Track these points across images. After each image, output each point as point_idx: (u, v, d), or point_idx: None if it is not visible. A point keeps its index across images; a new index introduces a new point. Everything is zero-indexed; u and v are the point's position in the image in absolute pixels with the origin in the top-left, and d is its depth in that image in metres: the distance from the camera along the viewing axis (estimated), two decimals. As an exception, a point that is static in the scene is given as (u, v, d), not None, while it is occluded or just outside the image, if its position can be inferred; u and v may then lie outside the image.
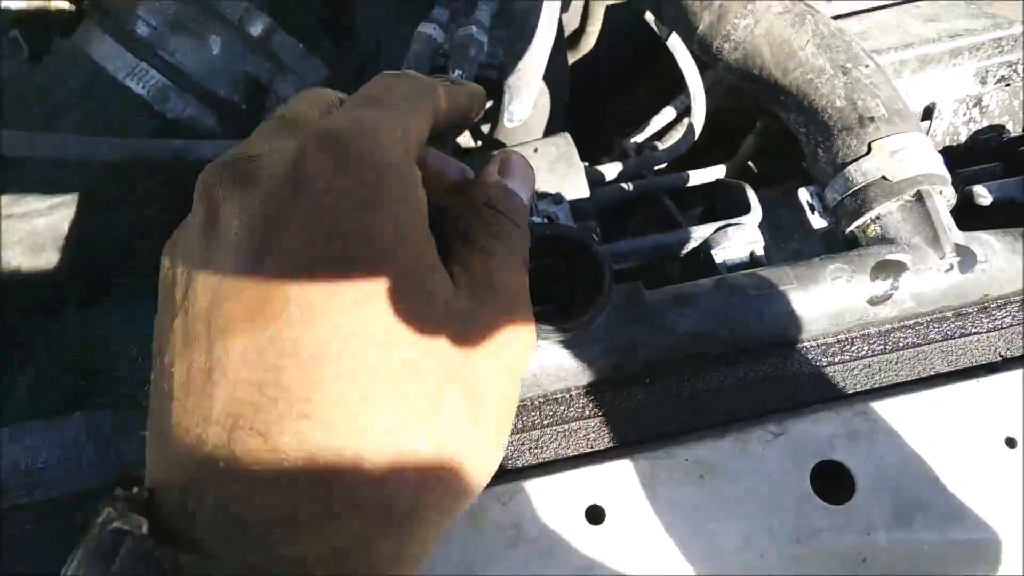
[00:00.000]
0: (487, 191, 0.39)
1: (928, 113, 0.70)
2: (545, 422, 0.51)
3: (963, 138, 0.73)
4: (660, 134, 0.90)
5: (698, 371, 0.52)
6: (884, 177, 0.53)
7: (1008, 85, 0.70)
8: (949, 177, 0.54)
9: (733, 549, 0.46)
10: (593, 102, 1.10)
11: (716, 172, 0.80)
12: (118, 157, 0.67)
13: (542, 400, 0.51)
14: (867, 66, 0.57)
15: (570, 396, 0.51)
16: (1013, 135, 0.74)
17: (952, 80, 0.69)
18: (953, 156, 0.73)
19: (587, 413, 0.51)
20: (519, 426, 0.50)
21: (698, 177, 0.78)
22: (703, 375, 0.52)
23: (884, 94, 0.56)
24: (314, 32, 0.82)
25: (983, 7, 0.70)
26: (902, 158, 0.53)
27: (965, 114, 0.71)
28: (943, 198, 0.54)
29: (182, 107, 0.75)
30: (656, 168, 0.83)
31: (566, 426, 0.51)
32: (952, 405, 0.50)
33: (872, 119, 0.55)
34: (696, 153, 0.86)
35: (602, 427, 0.51)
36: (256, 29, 0.74)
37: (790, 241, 0.78)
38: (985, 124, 0.72)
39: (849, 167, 0.55)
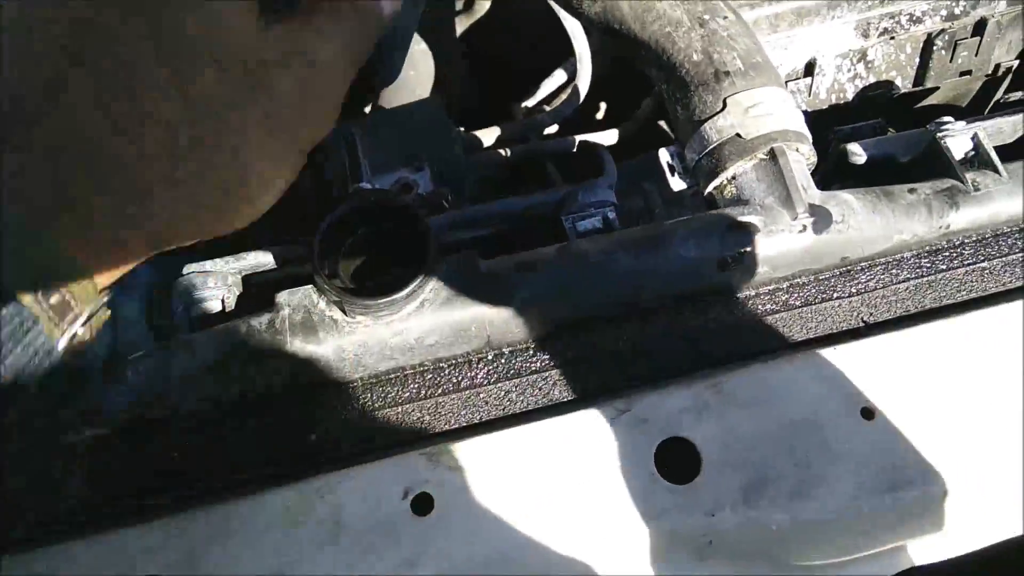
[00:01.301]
0: None
1: (809, 69, 0.67)
2: (375, 405, 0.47)
3: (850, 95, 0.70)
4: (552, 98, 0.86)
5: (540, 345, 0.48)
6: (738, 135, 0.50)
7: (892, 38, 0.67)
8: (808, 134, 0.51)
9: (572, 534, 0.43)
10: (499, 69, 1.06)
11: (609, 136, 0.76)
12: None
13: (373, 381, 0.47)
14: (725, 17, 0.53)
15: (403, 376, 0.48)
16: (903, 91, 0.72)
17: (832, 34, 0.65)
18: (839, 113, 0.70)
19: (422, 394, 0.47)
20: (342, 411, 0.46)
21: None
22: (544, 349, 0.48)
23: (741, 46, 0.52)
24: None
25: None
26: (757, 114, 0.50)
27: (850, 70, 0.68)
28: (801, 156, 0.51)
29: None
30: (546, 133, 0.79)
31: (398, 408, 0.47)
32: (807, 375, 0.47)
33: (728, 73, 0.51)
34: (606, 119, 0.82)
35: (438, 409, 0.47)
36: None
37: (685, 209, 0.75)
38: (872, 80, 0.70)
39: (705, 125, 0.51)
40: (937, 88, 0.70)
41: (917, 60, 0.68)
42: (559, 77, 0.85)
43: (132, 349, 0.46)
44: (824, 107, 0.70)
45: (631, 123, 0.81)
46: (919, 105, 0.71)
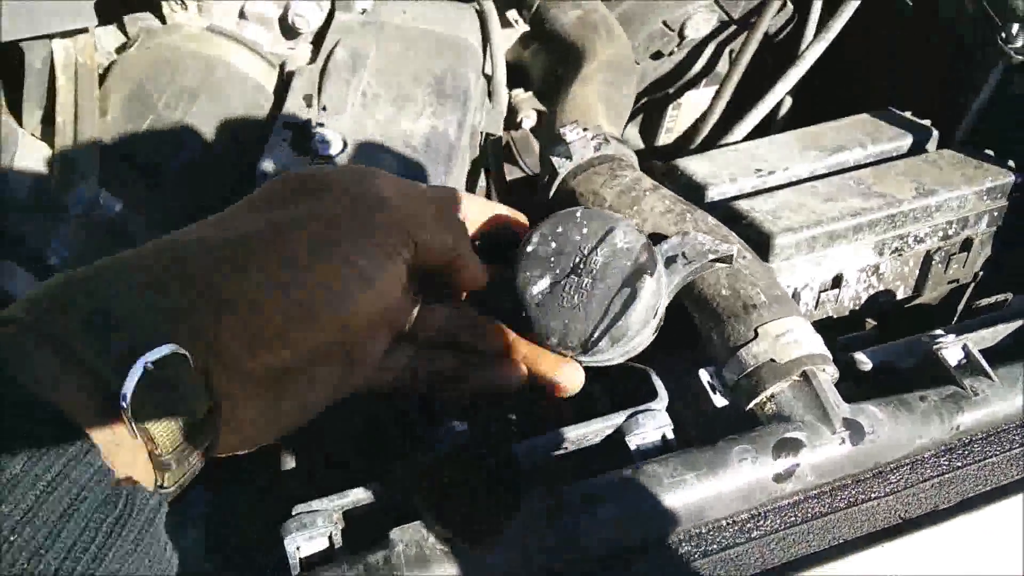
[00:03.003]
0: None
1: (837, 282, 0.77)
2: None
3: (862, 303, 0.81)
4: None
5: (624, 565, 0.53)
6: (772, 360, 0.58)
7: (900, 255, 0.79)
8: (830, 355, 0.60)
9: None
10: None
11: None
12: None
13: (474, 609, 0.51)
14: (744, 258, 0.63)
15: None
16: (900, 297, 0.83)
17: (855, 253, 0.77)
18: (856, 315, 0.80)
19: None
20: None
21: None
22: (633, 565, 0.53)
23: (763, 282, 0.62)
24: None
25: (871, 186, 0.79)
26: (786, 341, 0.59)
27: (865, 281, 0.79)
28: (827, 375, 0.59)
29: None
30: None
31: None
32: (864, 571, 0.53)
33: (755, 306, 0.60)
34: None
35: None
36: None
37: (699, 403, 0.82)
38: (881, 288, 0.81)
39: (740, 351, 0.60)
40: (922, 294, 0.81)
41: (917, 272, 0.80)
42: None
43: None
44: (845, 314, 0.80)
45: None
46: (908, 306, 0.82)
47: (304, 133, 0.73)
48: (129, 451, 0.37)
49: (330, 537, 0.53)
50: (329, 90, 0.76)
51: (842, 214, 0.76)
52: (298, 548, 0.52)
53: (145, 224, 0.78)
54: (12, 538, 0.30)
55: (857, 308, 0.80)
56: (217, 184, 0.81)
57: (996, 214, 0.80)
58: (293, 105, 0.77)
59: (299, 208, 0.47)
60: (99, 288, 0.39)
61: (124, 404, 0.36)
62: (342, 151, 0.73)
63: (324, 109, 0.75)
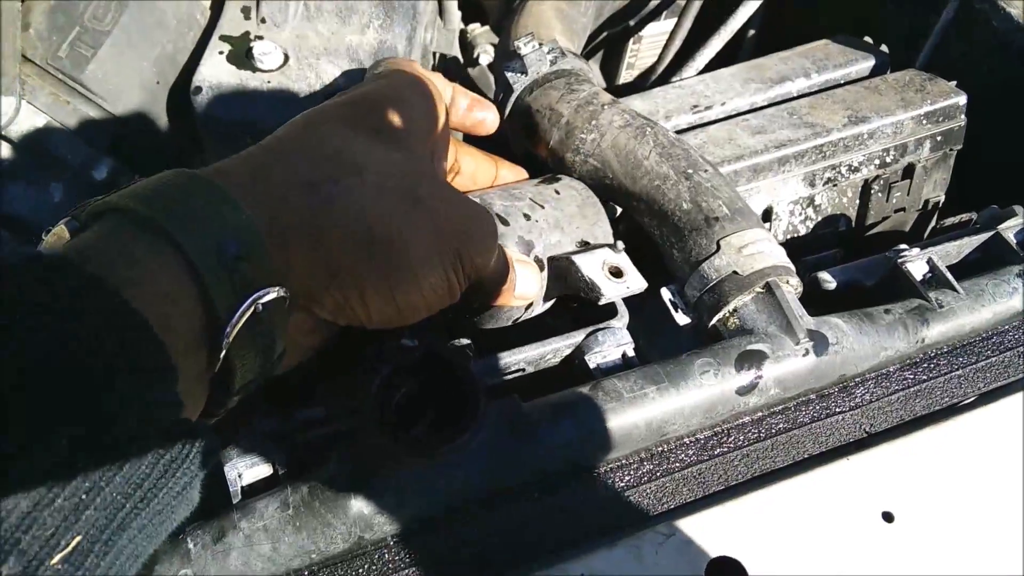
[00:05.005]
0: None
1: (767, 215, 0.75)
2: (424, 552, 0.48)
3: (803, 234, 0.78)
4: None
5: (583, 481, 0.51)
6: (735, 272, 0.56)
7: (835, 185, 0.76)
8: (793, 267, 0.58)
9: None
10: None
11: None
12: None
13: (425, 528, 0.49)
14: (706, 171, 0.61)
15: (454, 520, 0.49)
16: (844, 227, 0.81)
17: (783, 185, 0.74)
18: (797, 248, 0.78)
19: (470, 538, 0.49)
20: (396, 562, 0.47)
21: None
22: (588, 484, 0.51)
23: (725, 195, 0.59)
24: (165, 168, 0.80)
25: (803, 116, 0.76)
26: (749, 252, 0.57)
27: (800, 214, 0.77)
28: (791, 287, 0.57)
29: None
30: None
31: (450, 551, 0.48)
32: (828, 485, 0.51)
33: (717, 219, 0.58)
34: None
35: (486, 549, 0.49)
36: (101, 173, 0.72)
37: (661, 337, 0.80)
38: (820, 219, 0.78)
39: (703, 265, 0.57)
40: (878, 222, 0.79)
41: (858, 202, 0.78)
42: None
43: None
44: (782, 243, 0.77)
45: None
46: (866, 235, 0.79)
47: (242, 46, 0.68)
48: (197, 379, 0.35)
49: (274, 463, 0.50)
50: (269, 1, 0.71)
51: (767, 147, 0.73)
52: (239, 475, 0.49)
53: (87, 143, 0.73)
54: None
55: (796, 240, 0.78)
56: (150, 101, 0.75)
57: (941, 138, 0.78)
58: (231, 17, 0.72)
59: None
60: (228, 212, 0.35)
61: (227, 340, 0.34)
62: (283, 65, 0.69)
63: (263, 21, 0.71)
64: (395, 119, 0.46)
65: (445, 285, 0.44)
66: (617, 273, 0.55)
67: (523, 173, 0.65)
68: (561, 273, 0.56)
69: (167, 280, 0.32)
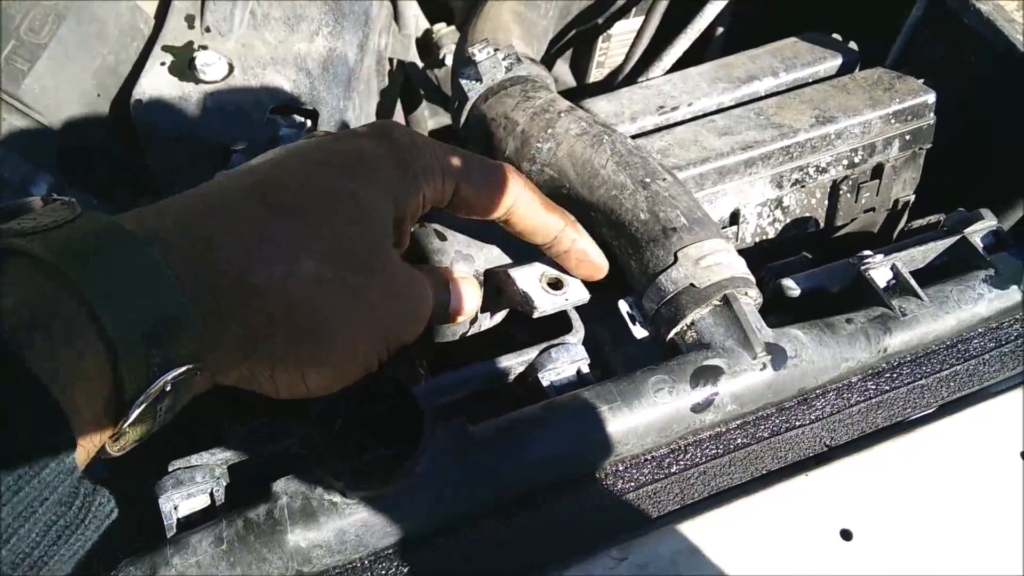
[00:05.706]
0: None
1: (735, 218, 0.73)
2: (378, 586, 0.46)
3: (771, 236, 0.77)
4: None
5: (532, 504, 0.49)
6: (692, 284, 0.54)
7: (803, 187, 0.75)
8: (752, 278, 0.56)
9: None
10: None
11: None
12: None
13: (372, 559, 0.47)
14: (664, 179, 0.59)
15: (403, 549, 0.48)
16: (813, 229, 0.79)
17: (751, 187, 0.73)
18: (764, 251, 0.76)
19: (424, 568, 0.47)
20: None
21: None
22: (538, 508, 0.50)
23: (683, 204, 0.58)
24: (110, 183, 0.78)
25: (771, 117, 0.75)
26: (706, 264, 0.55)
27: (769, 216, 0.75)
28: (749, 299, 0.56)
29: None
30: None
31: (402, 586, 0.47)
32: (786, 502, 0.50)
33: (675, 229, 0.56)
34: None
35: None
36: (40, 189, 0.70)
37: (626, 346, 0.79)
38: (789, 221, 0.77)
39: (660, 277, 0.56)
40: (848, 223, 0.78)
41: (826, 203, 0.76)
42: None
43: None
44: (750, 247, 0.76)
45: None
46: (836, 236, 0.78)
47: (185, 56, 0.66)
48: (96, 435, 0.33)
49: (211, 494, 0.48)
50: (214, 9, 0.69)
51: (733, 148, 0.71)
52: (175, 508, 0.47)
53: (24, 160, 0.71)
54: None
55: (764, 243, 0.76)
56: (90, 116, 0.73)
57: (910, 137, 0.76)
58: (174, 26, 0.69)
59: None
60: (162, 292, 0.34)
61: (129, 419, 0.33)
62: (227, 75, 0.66)
63: (208, 30, 0.68)
64: (363, 189, 0.43)
65: (363, 367, 0.43)
66: (556, 285, 0.53)
67: None
68: (499, 287, 0.55)
69: (84, 362, 0.31)
